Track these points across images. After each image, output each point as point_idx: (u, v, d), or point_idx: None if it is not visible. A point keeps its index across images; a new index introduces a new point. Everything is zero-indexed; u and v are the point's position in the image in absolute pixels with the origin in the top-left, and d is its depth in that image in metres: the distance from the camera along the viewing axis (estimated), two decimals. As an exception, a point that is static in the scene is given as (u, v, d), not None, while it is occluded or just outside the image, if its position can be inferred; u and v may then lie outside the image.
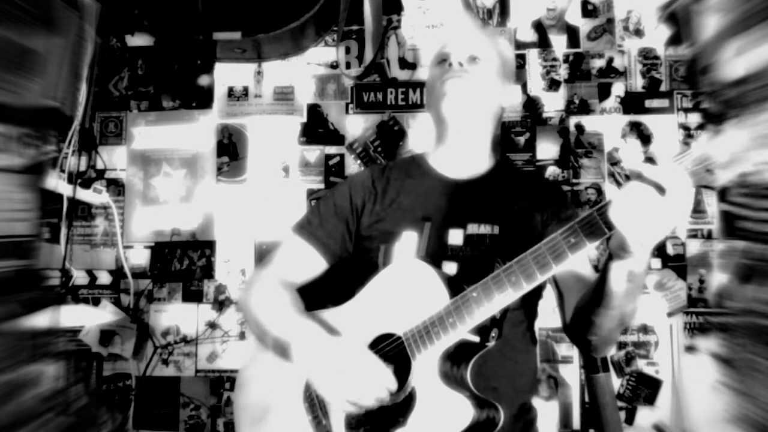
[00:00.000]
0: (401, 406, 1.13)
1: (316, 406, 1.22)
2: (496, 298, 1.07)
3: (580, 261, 1.27)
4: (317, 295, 1.42)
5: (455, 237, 1.32)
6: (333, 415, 1.19)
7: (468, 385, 1.12)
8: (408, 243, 1.32)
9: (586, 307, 1.17)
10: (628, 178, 2.30)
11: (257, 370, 1.36)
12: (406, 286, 1.19)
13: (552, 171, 2.34)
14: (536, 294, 1.39)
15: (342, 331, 1.27)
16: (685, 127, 2.30)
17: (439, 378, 1.11)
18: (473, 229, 1.32)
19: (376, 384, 1.11)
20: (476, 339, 1.12)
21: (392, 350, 1.18)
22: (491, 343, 1.13)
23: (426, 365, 1.13)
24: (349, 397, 1.11)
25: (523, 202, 1.37)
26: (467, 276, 1.23)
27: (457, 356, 1.13)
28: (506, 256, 1.22)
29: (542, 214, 1.37)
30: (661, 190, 0.87)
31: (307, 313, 1.31)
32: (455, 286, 1.15)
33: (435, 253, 1.30)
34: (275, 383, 1.30)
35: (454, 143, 1.41)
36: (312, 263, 1.41)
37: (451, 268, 1.29)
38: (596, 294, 1.10)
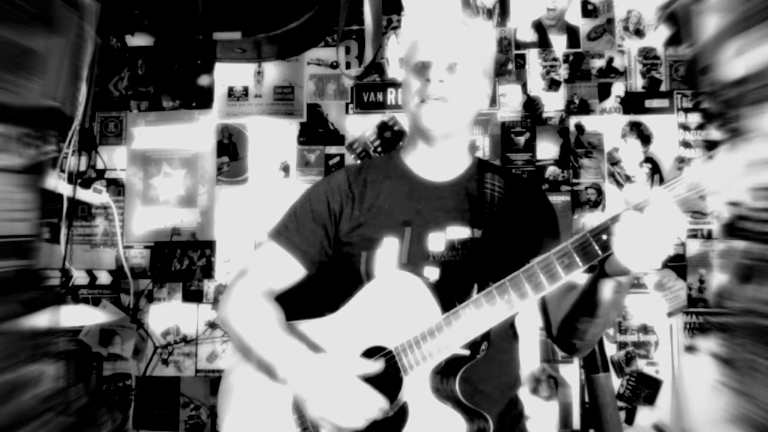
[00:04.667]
0: (393, 421, 1.12)
1: (305, 418, 1.20)
2: (488, 316, 1.07)
3: None
4: (300, 304, 1.39)
5: (436, 241, 1.30)
6: (323, 428, 1.17)
7: (457, 396, 1.12)
8: (389, 249, 1.29)
9: (573, 315, 1.18)
10: (628, 178, 2.30)
11: (243, 376, 1.33)
12: (395, 299, 1.18)
13: (552, 171, 2.34)
14: None
15: (330, 344, 1.25)
16: (685, 127, 2.30)
17: (431, 393, 1.11)
18: (454, 232, 1.30)
19: (367, 405, 1.09)
20: (467, 353, 1.12)
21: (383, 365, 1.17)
22: (481, 355, 1.13)
23: (418, 380, 1.12)
24: (339, 421, 1.09)
25: (506, 205, 1.35)
26: (450, 282, 1.23)
27: (446, 369, 1.13)
28: (488, 261, 1.22)
29: (527, 221, 1.35)
30: (653, 219, 0.91)
31: (291, 327, 1.28)
32: (445, 298, 1.14)
33: (416, 258, 1.28)
34: (262, 392, 1.27)
35: (433, 149, 1.38)
36: (290, 270, 1.37)
37: (433, 273, 1.27)
38: (583, 304, 1.12)
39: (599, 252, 0.97)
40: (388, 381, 1.15)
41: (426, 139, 1.37)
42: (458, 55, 1.31)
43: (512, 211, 1.35)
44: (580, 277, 1.10)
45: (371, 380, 1.15)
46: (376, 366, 1.15)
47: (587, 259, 0.99)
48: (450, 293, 1.16)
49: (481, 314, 1.08)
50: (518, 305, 1.05)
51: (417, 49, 1.35)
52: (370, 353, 1.19)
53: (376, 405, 1.10)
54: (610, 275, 1.02)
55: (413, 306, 1.15)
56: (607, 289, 1.04)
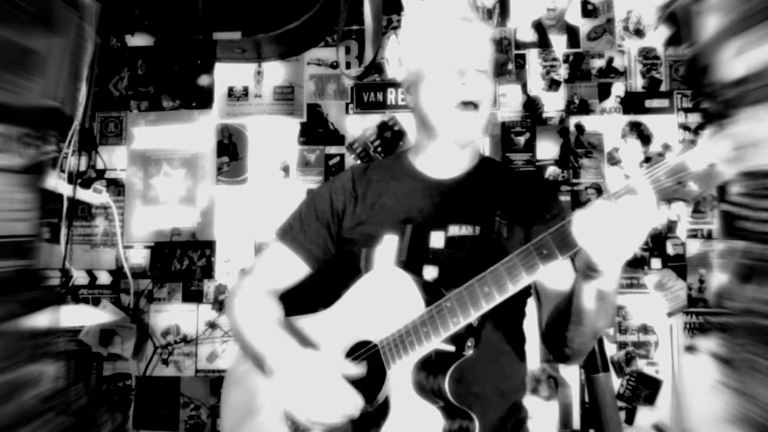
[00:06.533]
0: (376, 415, 1.13)
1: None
2: (468, 309, 1.06)
3: (562, 270, 1.24)
4: (302, 300, 1.42)
5: (436, 239, 1.30)
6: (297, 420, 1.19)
7: (445, 394, 1.11)
8: (389, 246, 1.30)
9: (558, 322, 1.17)
10: (627, 178, 2.30)
11: (244, 371, 1.36)
12: (384, 294, 1.19)
13: (552, 171, 2.34)
14: (523, 294, 1.36)
15: (321, 339, 1.28)
16: (685, 127, 2.30)
17: (412, 388, 1.11)
18: (454, 230, 1.31)
19: (342, 403, 1.11)
20: (451, 348, 1.11)
21: (368, 359, 1.18)
22: (468, 353, 1.12)
23: (400, 375, 1.12)
24: (314, 417, 1.11)
25: (507, 200, 1.35)
26: (448, 280, 1.22)
27: (433, 366, 1.12)
28: (487, 259, 1.21)
29: (527, 213, 1.34)
30: (621, 209, 0.88)
31: (288, 323, 1.31)
32: (432, 293, 1.14)
33: (416, 256, 1.29)
34: (260, 386, 1.30)
35: (447, 151, 1.38)
36: (294, 269, 1.40)
37: (431, 272, 1.28)
38: (567, 311, 1.11)
39: (576, 242, 0.93)
40: (373, 375, 1.16)
41: (444, 142, 1.36)
42: (485, 61, 1.33)
43: (515, 208, 1.34)
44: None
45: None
46: (358, 369, 1.16)
47: (566, 248, 0.96)
48: (446, 290, 1.15)
49: (462, 307, 1.07)
50: (498, 297, 1.04)
51: (444, 53, 1.32)
52: (357, 347, 1.21)
53: (352, 404, 1.11)
54: (579, 272, 1.00)
55: (399, 301, 1.15)
56: (587, 295, 1.02)
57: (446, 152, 1.38)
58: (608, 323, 1.13)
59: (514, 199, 1.36)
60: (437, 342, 1.09)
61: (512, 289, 1.03)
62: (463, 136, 1.33)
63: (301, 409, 1.12)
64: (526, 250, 1.01)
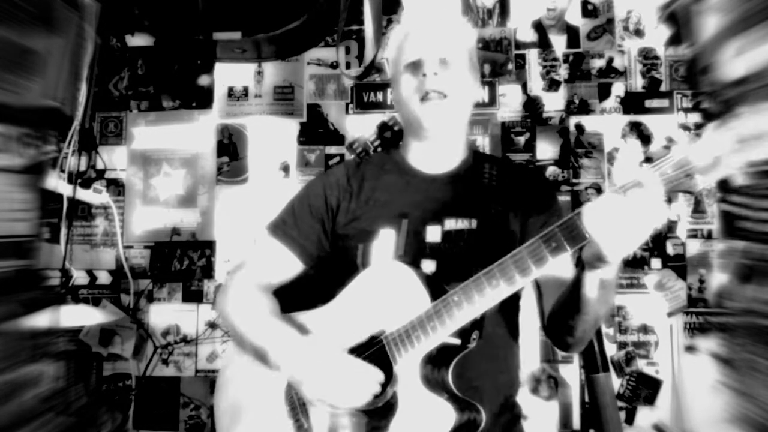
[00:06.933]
0: (382, 411, 1.12)
1: (297, 409, 1.21)
2: (477, 302, 1.07)
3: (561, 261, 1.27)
4: (297, 297, 1.40)
5: (433, 233, 1.30)
6: (314, 419, 1.19)
7: (449, 387, 1.12)
8: (386, 241, 1.30)
9: (561, 311, 1.18)
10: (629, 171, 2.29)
11: (237, 369, 1.34)
12: (387, 289, 1.18)
13: (552, 171, 2.34)
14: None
15: (322, 335, 1.26)
16: (685, 127, 2.30)
17: (420, 382, 1.11)
18: (451, 224, 1.31)
19: (364, 381, 1.10)
20: (457, 342, 1.12)
21: (373, 353, 1.17)
22: (472, 345, 1.13)
23: (407, 369, 1.12)
24: (338, 400, 1.10)
25: (502, 193, 1.36)
26: (446, 274, 1.23)
27: (437, 359, 1.12)
28: (484, 251, 1.21)
29: (522, 204, 1.35)
30: (632, 202, 0.90)
31: (285, 317, 1.30)
32: (435, 287, 1.14)
33: (413, 251, 1.29)
34: (256, 384, 1.29)
35: (431, 144, 1.40)
36: (287, 265, 1.39)
37: (429, 266, 1.27)
38: (570, 300, 1.11)
39: (586, 234, 0.96)
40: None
41: (426, 137, 1.38)
42: (447, 49, 1.34)
43: (509, 200, 1.35)
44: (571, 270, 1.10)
45: None
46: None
47: (574, 241, 0.98)
48: (445, 284, 1.16)
49: (469, 301, 1.07)
50: (506, 291, 1.05)
51: (406, 50, 1.36)
52: (361, 343, 1.20)
53: (373, 379, 1.10)
54: (586, 266, 1.01)
55: (403, 295, 1.15)
56: (590, 284, 1.03)
57: (432, 146, 1.39)
58: (609, 311, 1.14)
59: (510, 192, 1.37)
60: (445, 335, 1.09)
61: (521, 282, 1.04)
62: (432, 127, 1.33)
63: (326, 397, 1.11)
64: (535, 243, 1.02)
